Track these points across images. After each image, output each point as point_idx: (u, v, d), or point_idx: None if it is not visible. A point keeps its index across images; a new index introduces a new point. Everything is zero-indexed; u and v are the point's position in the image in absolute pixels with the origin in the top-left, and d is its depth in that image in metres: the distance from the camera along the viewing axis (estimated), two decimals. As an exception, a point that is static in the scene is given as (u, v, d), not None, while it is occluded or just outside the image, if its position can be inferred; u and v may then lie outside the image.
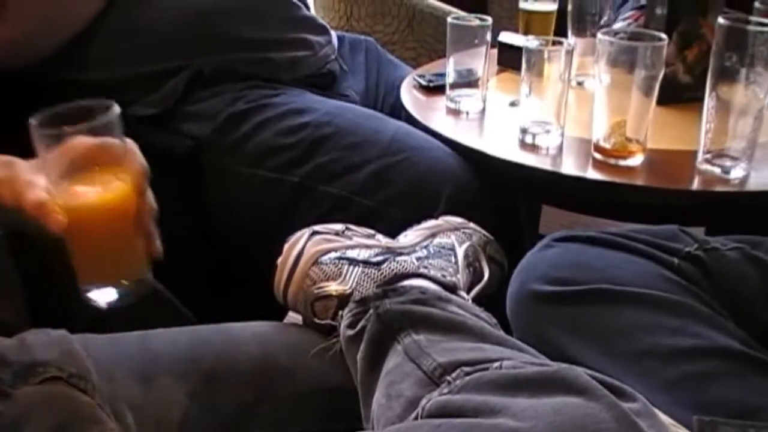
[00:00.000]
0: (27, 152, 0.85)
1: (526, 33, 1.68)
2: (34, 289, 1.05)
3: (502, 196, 1.34)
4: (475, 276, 1.09)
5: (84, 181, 0.86)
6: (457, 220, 1.17)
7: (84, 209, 0.86)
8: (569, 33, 1.56)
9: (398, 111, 1.51)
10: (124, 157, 0.87)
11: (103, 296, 0.90)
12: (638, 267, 0.92)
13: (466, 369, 0.75)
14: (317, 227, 1.09)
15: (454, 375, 0.75)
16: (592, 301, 0.89)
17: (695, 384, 0.80)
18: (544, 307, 0.92)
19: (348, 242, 1.07)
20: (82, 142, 0.84)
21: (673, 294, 0.88)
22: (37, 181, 0.86)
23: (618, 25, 1.73)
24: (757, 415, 0.76)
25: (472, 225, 1.16)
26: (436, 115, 1.44)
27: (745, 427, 0.73)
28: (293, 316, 1.14)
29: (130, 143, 0.89)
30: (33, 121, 0.82)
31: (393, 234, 1.13)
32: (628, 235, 0.97)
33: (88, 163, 0.86)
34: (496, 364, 0.74)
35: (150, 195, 0.91)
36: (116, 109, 0.85)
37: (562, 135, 1.30)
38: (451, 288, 1.00)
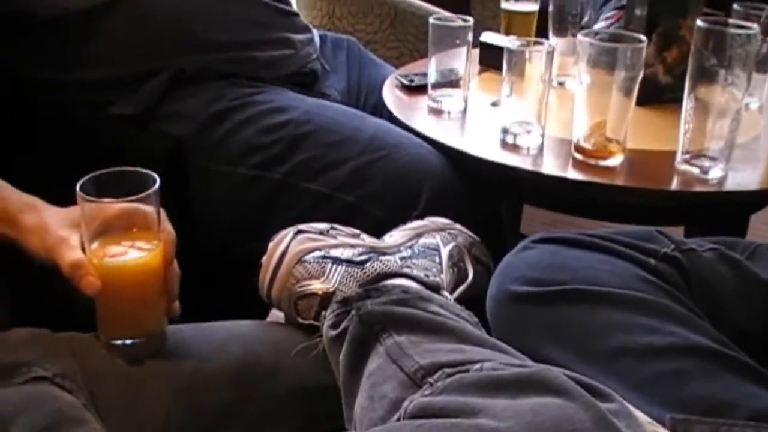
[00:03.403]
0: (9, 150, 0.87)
1: (507, 33, 1.68)
2: (17, 287, 1.05)
3: (484, 196, 1.35)
4: (460, 276, 1.10)
5: (118, 243, 0.91)
6: (443, 220, 1.18)
7: (116, 270, 0.91)
8: (550, 33, 1.57)
9: (380, 110, 1.51)
10: (157, 225, 0.91)
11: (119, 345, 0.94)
12: (615, 268, 0.93)
13: (448, 370, 0.76)
14: (302, 226, 1.09)
15: (435, 376, 0.76)
16: (569, 301, 0.90)
17: (670, 382, 0.81)
18: (521, 307, 0.93)
19: (332, 241, 1.07)
20: (120, 205, 0.89)
21: (650, 294, 0.89)
22: (71, 239, 0.91)
23: (599, 25, 1.74)
24: (730, 413, 0.77)
25: (458, 226, 1.17)
26: (417, 115, 1.44)
27: (718, 425, 0.75)
28: (276, 314, 1.15)
29: (162, 212, 0.93)
30: (78, 186, 0.87)
31: (376, 230, 1.14)
32: (606, 237, 0.97)
33: (123, 225, 0.91)
34: (477, 366, 0.75)
35: (175, 262, 0.96)
36: (157, 182, 0.89)
37: (543, 135, 1.31)
38: (434, 288, 1.00)
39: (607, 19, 1.78)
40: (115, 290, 0.91)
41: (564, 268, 0.94)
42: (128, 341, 0.93)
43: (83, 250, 0.90)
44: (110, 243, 0.91)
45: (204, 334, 1.00)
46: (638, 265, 0.93)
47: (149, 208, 0.90)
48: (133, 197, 0.88)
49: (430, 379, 0.76)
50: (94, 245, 0.90)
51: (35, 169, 1.17)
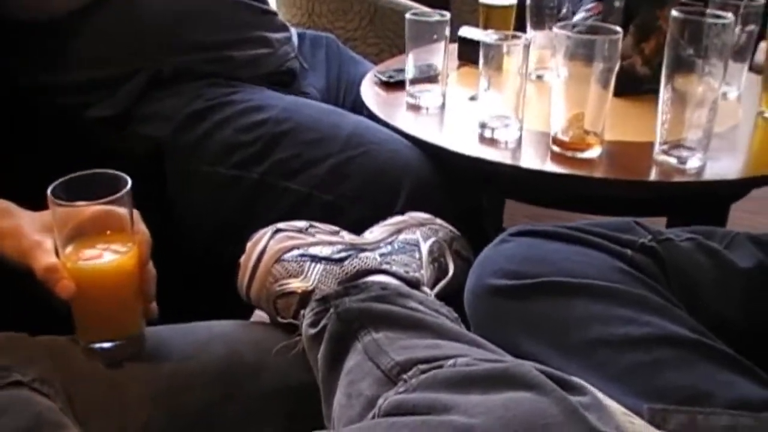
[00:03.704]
0: None
1: (485, 27, 1.68)
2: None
3: (464, 190, 1.35)
4: (440, 272, 1.10)
5: (92, 246, 0.91)
6: (424, 215, 1.17)
7: (90, 274, 0.90)
8: (528, 27, 1.57)
9: (359, 107, 1.51)
10: (131, 227, 0.91)
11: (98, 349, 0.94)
12: (592, 259, 0.93)
13: (422, 367, 0.76)
14: (280, 225, 1.09)
15: (410, 373, 0.76)
16: (546, 293, 0.90)
17: (648, 372, 0.81)
18: (499, 301, 0.93)
19: (311, 239, 1.07)
20: (92, 208, 0.88)
21: (626, 285, 0.89)
22: (45, 244, 0.90)
23: (579, 17, 1.74)
24: (707, 401, 0.77)
25: (438, 221, 1.17)
26: (396, 111, 1.44)
27: (695, 414, 0.75)
28: (259, 315, 1.15)
29: (136, 214, 0.92)
30: (49, 191, 0.87)
31: (356, 227, 1.13)
32: (583, 229, 0.97)
33: (96, 228, 0.90)
34: (451, 362, 0.75)
35: (151, 263, 0.95)
36: (129, 183, 0.89)
37: (521, 129, 1.31)
38: (414, 284, 1.00)
39: (587, 11, 1.78)
40: (91, 293, 0.90)
41: (541, 260, 0.94)
42: (106, 345, 0.92)
43: (57, 254, 0.90)
44: (84, 246, 0.90)
45: (184, 335, 1.00)
46: (615, 256, 0.93)
47: (122, 210, 0.89)
48: (105, 199, 0.87)
49: (405, 376, 0.76)
50: (68, 249, 0.90)
51: (13, 171, 1.16)
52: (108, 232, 0.91)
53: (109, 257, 0.91)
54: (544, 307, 0.90)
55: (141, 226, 0.94)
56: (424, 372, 0.74)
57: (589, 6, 1.80)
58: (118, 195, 0.88)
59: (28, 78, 1.38)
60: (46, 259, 0.89)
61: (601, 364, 0.83)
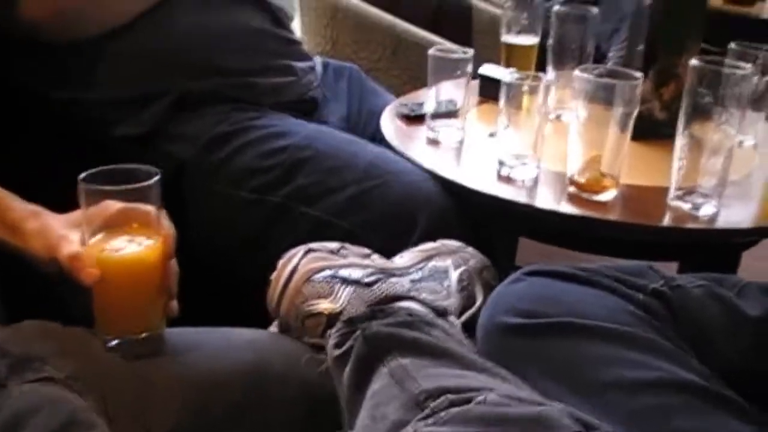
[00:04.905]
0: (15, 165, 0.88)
1: (507, 65, 1.70)
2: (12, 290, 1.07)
3: (480, 224, 1.35)
4: (469, 300, 1.11)
5: (118, 238, 0.93)
6: (456, 243, 1.18)
7: (114, 265, 0.92)
8: (549, 66, 1.58)
9: (379, 138, 1.52)
10: (157, 222, 0.93)
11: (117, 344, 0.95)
12: (604, 302, 0.94)
13: (451, 397, 0.77)
14: (312, 245, 1.11)
15: (438, 402, 0.77)
16: (557, 334, 0.91)
17: (656, 417, 0.81)
18: (510, 339, 0.94)
19: (342, 261, 1.08)
20: (119, 204, 0.91)
21: (637, 329, 0.89)
22: (71, 236, 0.93)
23: (612, 55, 1.76)
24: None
25: (470, 249, 1.17)
26: (415, 145, 1.45)
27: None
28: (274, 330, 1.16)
29: (162, 210, 0.94)
30: (79, 178, 0.89)
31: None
32: (596, 271, 0.98)
33: (122, 222, 0.92)
34: (481, 397, 0.75)
35: (174, 260, 0.97)
36: (157, 176, 0.91)
37: (539, 168, 1.32)
38: (441, 312, 1.01)
39: (618, 49, 1.79)
40: (114, 284, 0.92)
41: (554, 300, 0.95)
42: (126, 339, 0.93)
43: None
44: (110, 237, 0.92)
45: (214, 338, 1.02)
46: (626, 299, 0.94)
47: (149, 204, 0.92)
48: (134, 185, 0.89)
49: (433, 404, 0.77)
50: (94, 239, 0.92)
51: (39, 184, 1.18)
52: (134, 225, 0.93)
53: (134, 248, 0.92)
54: (554, 347, 0.90)
55: (166, 221, 0.96)
56: (453, 403, 0.75)
57: (621, 46, 1.81)
58: (147, 183, 0.90)
59: (54, 94, 1.40)
60: (71, 248, 0.91)
61: (610, 407, 0.83)
